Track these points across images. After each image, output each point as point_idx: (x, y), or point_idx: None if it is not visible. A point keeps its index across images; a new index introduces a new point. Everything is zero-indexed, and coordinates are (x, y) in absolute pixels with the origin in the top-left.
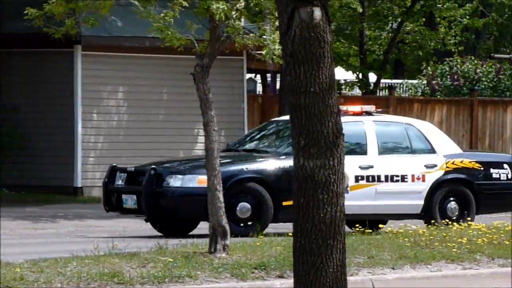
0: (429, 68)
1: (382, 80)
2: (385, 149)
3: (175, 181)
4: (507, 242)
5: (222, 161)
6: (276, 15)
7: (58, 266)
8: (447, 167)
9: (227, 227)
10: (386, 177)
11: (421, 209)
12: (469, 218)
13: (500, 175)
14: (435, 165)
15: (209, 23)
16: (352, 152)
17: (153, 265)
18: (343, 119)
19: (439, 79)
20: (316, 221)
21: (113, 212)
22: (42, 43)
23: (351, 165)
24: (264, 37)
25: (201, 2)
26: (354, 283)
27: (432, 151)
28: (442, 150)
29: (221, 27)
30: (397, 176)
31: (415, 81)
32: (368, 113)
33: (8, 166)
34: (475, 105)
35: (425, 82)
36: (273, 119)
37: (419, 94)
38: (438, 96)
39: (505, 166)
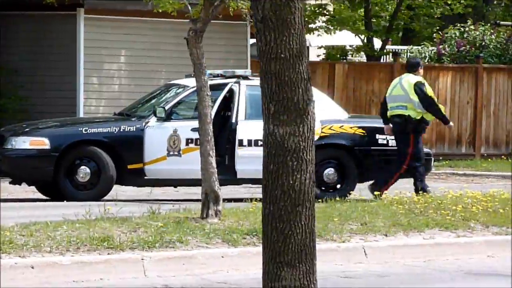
0: (440, 33)
1: (389, 47)
2: (250, 114)
3: (11, 143)
4: (502, 210)
5: (67, 123)
6: None
7: (48, 230)
8: (322, 132)
9: (220, 193)
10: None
11: None
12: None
13: (388, 141)
14: None
15: None
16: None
17: (144, 230)
18: (211, 82)
19: (446, 44)
20: (285, 188)
21: None
22: (44, 6)
23: (185, 128)
24: None
25: None
26: (346, 250)
27: None
28: (320, 115)
29: None
30: (249, 140)
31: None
32: (245, 78)
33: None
34: (480, 72)
35: (431, 48)
36: (170, 82)
37: (426, 60)
38: (445, 63)
39: None
